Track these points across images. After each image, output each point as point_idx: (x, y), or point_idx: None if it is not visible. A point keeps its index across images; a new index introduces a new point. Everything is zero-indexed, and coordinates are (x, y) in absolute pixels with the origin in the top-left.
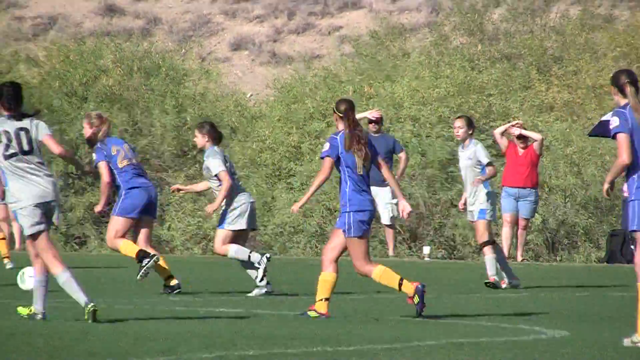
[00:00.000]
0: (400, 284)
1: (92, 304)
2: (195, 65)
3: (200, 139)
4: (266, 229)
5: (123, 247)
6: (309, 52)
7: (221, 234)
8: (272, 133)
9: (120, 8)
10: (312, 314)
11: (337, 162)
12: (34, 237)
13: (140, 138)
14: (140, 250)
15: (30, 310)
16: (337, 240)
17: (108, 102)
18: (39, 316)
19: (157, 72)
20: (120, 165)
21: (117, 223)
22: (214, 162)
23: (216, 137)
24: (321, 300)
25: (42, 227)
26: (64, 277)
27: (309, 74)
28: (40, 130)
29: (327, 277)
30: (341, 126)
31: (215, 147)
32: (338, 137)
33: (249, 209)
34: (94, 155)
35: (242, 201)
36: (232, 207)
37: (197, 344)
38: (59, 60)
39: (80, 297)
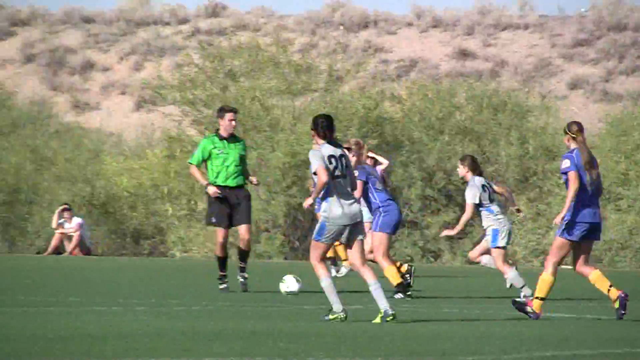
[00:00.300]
0: (608, 289)
1: (392, 311)
2: (536, 102)
3: (461, 170)
4: (596, 244)
5: (387, 270)
6: (637, 90)
7: (495, 252)
8: (603, 161)
9: (472, 52)
10: (528, 309)
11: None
12: (319, 244)
13: (487, 166)
14: (400, 284)
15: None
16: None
17: (461, 134)
18: (390, 313)
19: (503, 108)
20: (378, 187)
21: (378, 239)
22: (469, 192)
23: (475, 169)
24: (537, 298)
25: (339, 240)
26: (326, 282)
27: (636, 110)
28: (350, 161)
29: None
30: (573, 145)
31: (476, 178)
32: (574, 154)
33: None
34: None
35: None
36: (502, 226)
37: (501, 345)
38: (418, 97)
39: (382, 303)
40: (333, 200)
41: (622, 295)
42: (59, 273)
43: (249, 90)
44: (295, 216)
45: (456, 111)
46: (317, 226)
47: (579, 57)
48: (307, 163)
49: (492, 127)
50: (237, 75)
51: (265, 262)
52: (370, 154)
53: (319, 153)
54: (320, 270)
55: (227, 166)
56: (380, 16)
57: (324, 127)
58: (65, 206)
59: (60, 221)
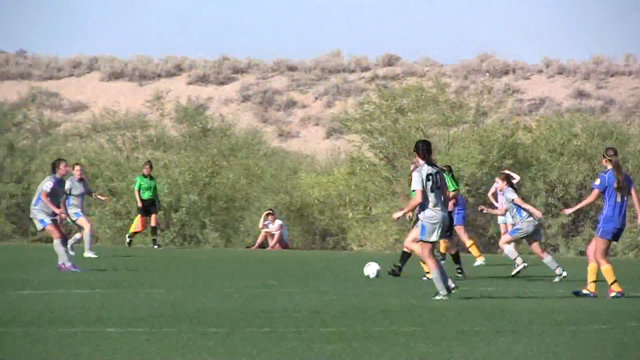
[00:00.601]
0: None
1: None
2: (635, 131)
3: (500, 184)
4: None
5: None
6: None
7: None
8: None
9: (587, 93)
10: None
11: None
12: (425, 243)
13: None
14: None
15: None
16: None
17: (577, 156)
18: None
19: (610, 136)
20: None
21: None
22: (509, 195)
23: (509, 181)
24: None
25: (432, 238)
26: (436, 273)
27: None
28: (444, 178)
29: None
30: (609, 166)
31: (509, 188)
32: (606, 175)
33: None
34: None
35: None
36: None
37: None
38: (545, 128)
39: (441, 286)
40: (429, 209)
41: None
42: (263, 263)
43: (414, 122)
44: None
45: (573, 138)
46: (419, 229)
47: None
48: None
49: (600, 151)
50: (405, 110)
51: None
52: (506, 171)
53: (420, 176)
54: (431, 262)
55: None
56: (518, 65)
57: (424, 150)
58: (270, 211)
59: (265, 223)
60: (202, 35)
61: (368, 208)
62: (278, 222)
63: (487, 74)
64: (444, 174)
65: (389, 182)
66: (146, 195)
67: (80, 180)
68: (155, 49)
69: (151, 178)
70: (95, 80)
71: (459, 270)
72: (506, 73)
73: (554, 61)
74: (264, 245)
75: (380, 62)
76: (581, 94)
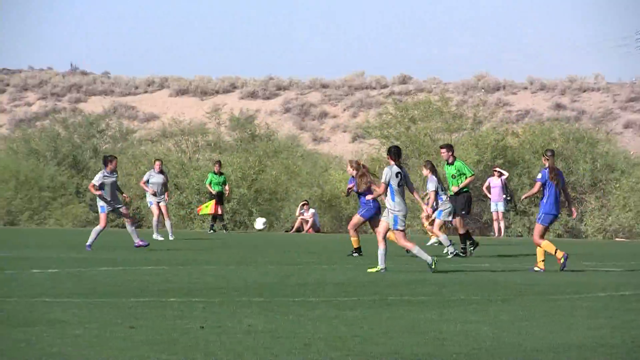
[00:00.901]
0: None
1: (434, 258)
2: (602, 136)
3: (425, 171)
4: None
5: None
6: None
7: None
8: None
9: (564, 105)
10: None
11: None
12: (399, 231)
13: (570, 176)
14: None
15: (376, 269)
16: None
17: (555, 156)
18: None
19: (582, 140)
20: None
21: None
22: (430, 184)
23: (434, 171)
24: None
25: (401, 227)
26: (415, 250)
27: None
28: (407, 174)
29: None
30: (547, 164)
31: (432, 176)
32: (546, 171)
33: None
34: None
35: None
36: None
37: None
38: (529, 133)
39: (425, 257)
40: (399, 200)
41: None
42: (299, 245)
43: (423, 129)
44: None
45: (553, 142)
46: (391, 221)
47: (631, 108)
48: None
49: (574, 152)
50: (416, 120)
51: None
52: (497, 169)
53: (390, 171)
54: (409, 244)
55: None
56: (507, 82)
57: (395, 153)
58: (305, 202)
59: (301, 211)
60: (252, 59)
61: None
62: (312, 210)
63: (482, 90)
64: (461, 162)
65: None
66: (216, 188)
67: (160, 172)
68: (214, 70)
69: (221, 174)
70: (165, 95)
71: (463, 250)
72: (497, 89)
73: (537, 79)
74: (299, 229)
75: (396, 81)
76: (559, 106)
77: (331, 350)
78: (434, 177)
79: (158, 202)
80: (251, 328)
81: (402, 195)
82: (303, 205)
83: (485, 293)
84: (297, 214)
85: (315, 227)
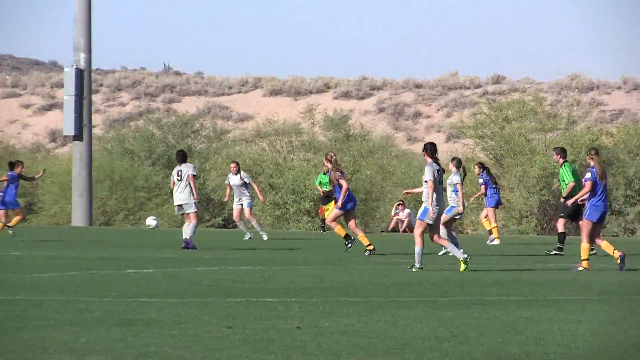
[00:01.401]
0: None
1: (466, 255)
2: None
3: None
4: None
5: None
6: None
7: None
8: None
9: None
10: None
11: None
12: (422, 222)
13: None
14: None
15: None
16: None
17: None
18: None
19: None
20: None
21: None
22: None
23: (460, 167)
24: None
25: (429, 221)
26: (418, 250)
27: None
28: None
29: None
30: (592, 163)
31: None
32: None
33: None
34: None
35: None
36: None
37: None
38: (624, 133)
39: (458, 254)
40: (437, 197)
41: (622, 255)
42: (395, 244)
43: (517, 129)
44: (545, 207)
45: None
46: (421, 210)
47: None
48: (553, 175)
49: None
50: (510, 119)
51: (521, 237)
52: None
53: (432, 168)
54: (419, 239)
55: None
56: (601, 82)
57: (431, 150)
58: (400, 202)
59: (396, 211)
60: (346, 59)
61: (480, 199)
62: (407, 210)
63: (577, 90)
64: (565, 167)
65: (497, 177)
66: (325, 187)
67: (236, 173)
68: (307, 70)
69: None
70: (259, 95)
71: (560, 249)
72: (591, 89)
73: (630, 79)
74: (395, 229)
75: (490, 81)
76: None
77: (428, 350)
78: (457, 172)
79: (239, 204)
80: (348, 328)
81: (440, 192)
82: (398, 205)
83: (581, 293)
84: (392, 214)
85: (411, 227)
